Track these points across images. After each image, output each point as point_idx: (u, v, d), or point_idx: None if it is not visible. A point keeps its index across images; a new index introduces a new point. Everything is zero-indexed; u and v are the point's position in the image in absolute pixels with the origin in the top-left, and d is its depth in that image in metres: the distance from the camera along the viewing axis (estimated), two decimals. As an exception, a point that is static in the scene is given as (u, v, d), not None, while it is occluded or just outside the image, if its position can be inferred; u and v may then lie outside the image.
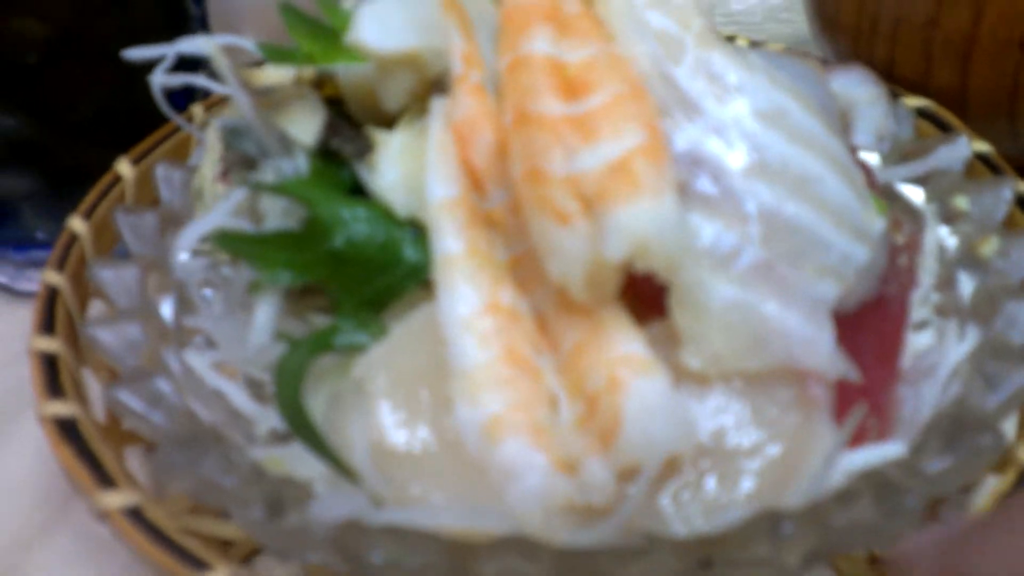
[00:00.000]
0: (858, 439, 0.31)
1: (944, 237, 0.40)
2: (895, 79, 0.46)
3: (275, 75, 0.32)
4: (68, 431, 0.31)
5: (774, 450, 0.30)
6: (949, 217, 0.40)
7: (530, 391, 0.30)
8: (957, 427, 0.30)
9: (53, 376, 0.33)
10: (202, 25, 0.47)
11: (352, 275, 0.31)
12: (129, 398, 0.31)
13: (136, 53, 0.35)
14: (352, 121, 0.34)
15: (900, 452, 0.30)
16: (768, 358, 0.30)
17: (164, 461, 0.29)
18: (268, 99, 0.32)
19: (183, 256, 0.33)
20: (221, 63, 0.31)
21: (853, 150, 0.42)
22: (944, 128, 0.44)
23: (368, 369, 0.29)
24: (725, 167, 0.31)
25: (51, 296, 0.36)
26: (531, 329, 0.31)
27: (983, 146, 0.42)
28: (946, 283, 0.38)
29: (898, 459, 0.29)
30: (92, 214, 0.39)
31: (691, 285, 0.30)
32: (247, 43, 0.38)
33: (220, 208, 0.32)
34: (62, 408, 0.32)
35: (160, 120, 0.39)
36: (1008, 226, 0.39)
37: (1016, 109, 0.44)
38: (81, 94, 0.44)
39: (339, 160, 0.33)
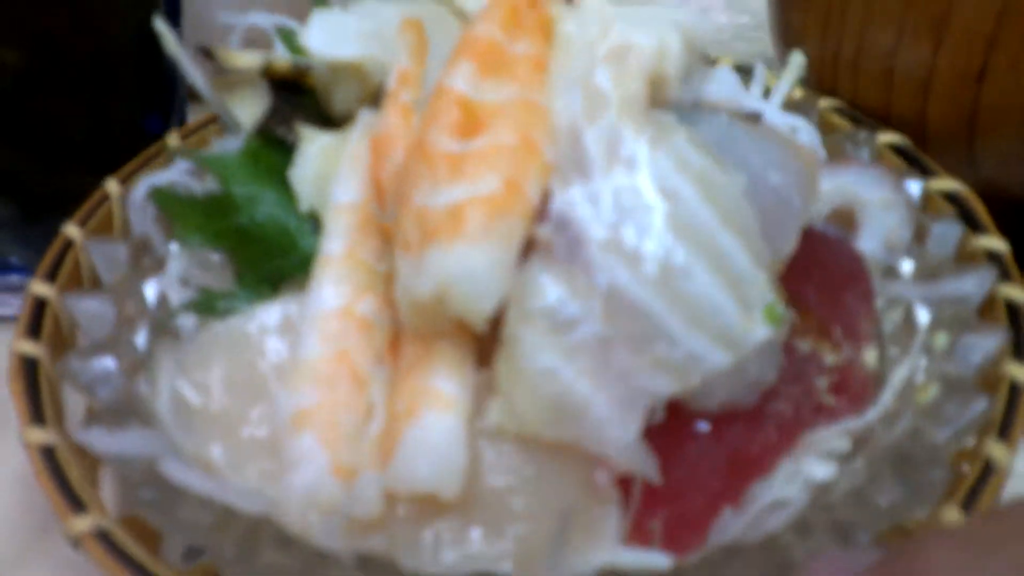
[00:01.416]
0: (641, 539, 0.30)
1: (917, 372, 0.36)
2: (858, 108, 0.46)
3: (247, 59, 0.36)
4: (47, 458, 0.31)
5: (539, 522, 0.30)
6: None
7: (347, 395, 0.32)
8: (744, 559, 0.29)
9: (34, 392, 0.33)
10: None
11: (253, 251, 0.35)
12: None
13: (162, 26, 0.38)
14: (321, 114, 0.37)
15: (663, 567, 0.29)
16: (565, 434, 0.30)
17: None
18: (225, 80, 0.36)
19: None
20: (169, 42, 0.35)
21: (854, 252, 0.39)
22: (992, 257, 0.39)
23: (215, 333, 0.33)
24: (589, 236, 0.31)
25: (39, 305, 0.35)
26: (380, 342, 0.33)
27: (1015, 292, 0.37)
28: (888, 423, 0.35)
29: (660, 572, 0.29)
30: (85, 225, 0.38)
31: (515, 341, 0.30)
32: (294, 25, 0.42)
33: (176, 167, 0.36)
34: (42, 436, 0.31)
35: (135, 146, 0.40)
36: (983, 381, 0.34)
37: (974, 139, 0.44)
38: (55, 120, 0.43)
39: (287, 147, 0.36)
